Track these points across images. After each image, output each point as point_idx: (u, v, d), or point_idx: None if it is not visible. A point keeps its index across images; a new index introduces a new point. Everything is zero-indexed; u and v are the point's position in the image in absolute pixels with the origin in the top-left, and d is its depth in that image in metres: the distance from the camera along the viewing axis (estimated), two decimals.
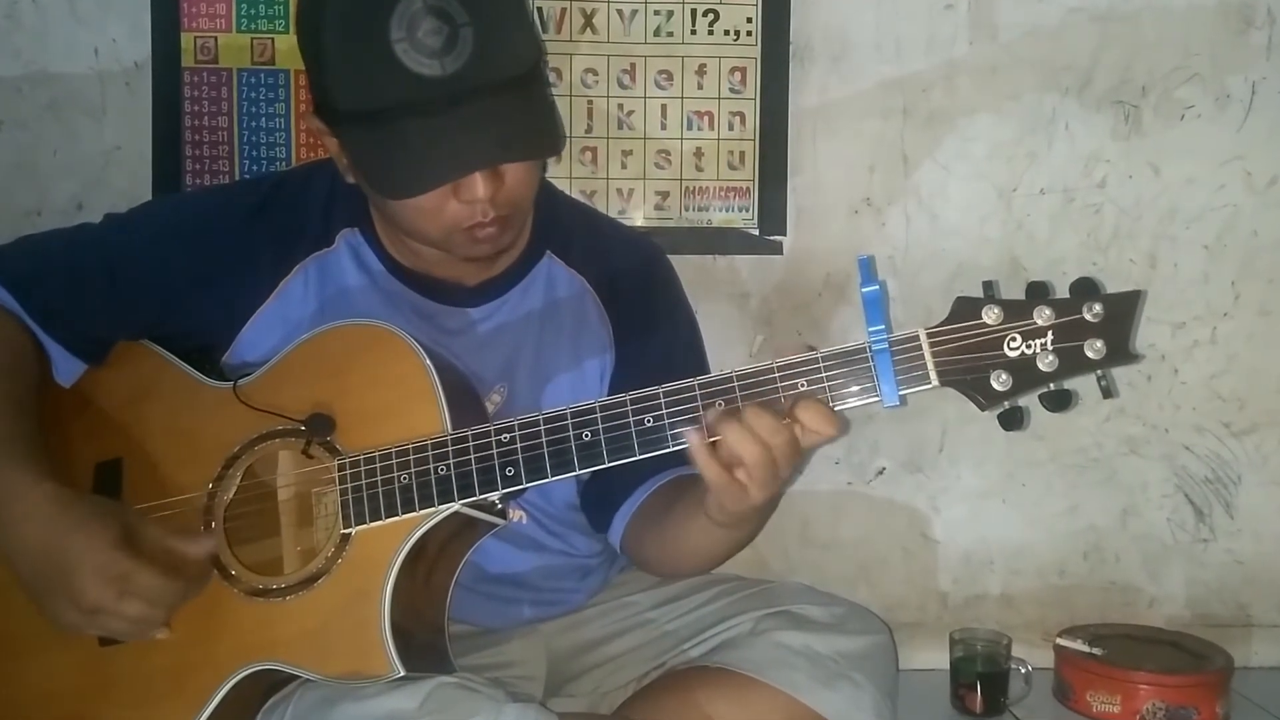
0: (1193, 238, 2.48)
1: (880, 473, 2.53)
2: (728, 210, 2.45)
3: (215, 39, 2.39)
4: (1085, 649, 2.29)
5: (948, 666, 2.34)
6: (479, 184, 1.63)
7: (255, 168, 2.39)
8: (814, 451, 1.57)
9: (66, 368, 1.83)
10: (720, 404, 1.53)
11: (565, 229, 1.96)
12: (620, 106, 2.43)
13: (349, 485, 1.63)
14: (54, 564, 1.59)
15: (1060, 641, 2.34)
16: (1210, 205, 2.47)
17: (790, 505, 2.49)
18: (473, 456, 1.59)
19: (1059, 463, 2.52)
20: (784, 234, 2.46)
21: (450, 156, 1.60)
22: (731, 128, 2.43)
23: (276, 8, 2.39)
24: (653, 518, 1.86)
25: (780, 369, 1.53)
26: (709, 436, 1.52)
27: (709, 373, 1.58)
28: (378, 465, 1.62)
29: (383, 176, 1.66)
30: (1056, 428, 2.48)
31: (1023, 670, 2.31)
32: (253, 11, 2.39)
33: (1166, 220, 2.47)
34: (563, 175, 2.41)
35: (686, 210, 2.45)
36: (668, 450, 1.56)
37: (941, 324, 1.51)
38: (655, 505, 1.86)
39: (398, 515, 1.61)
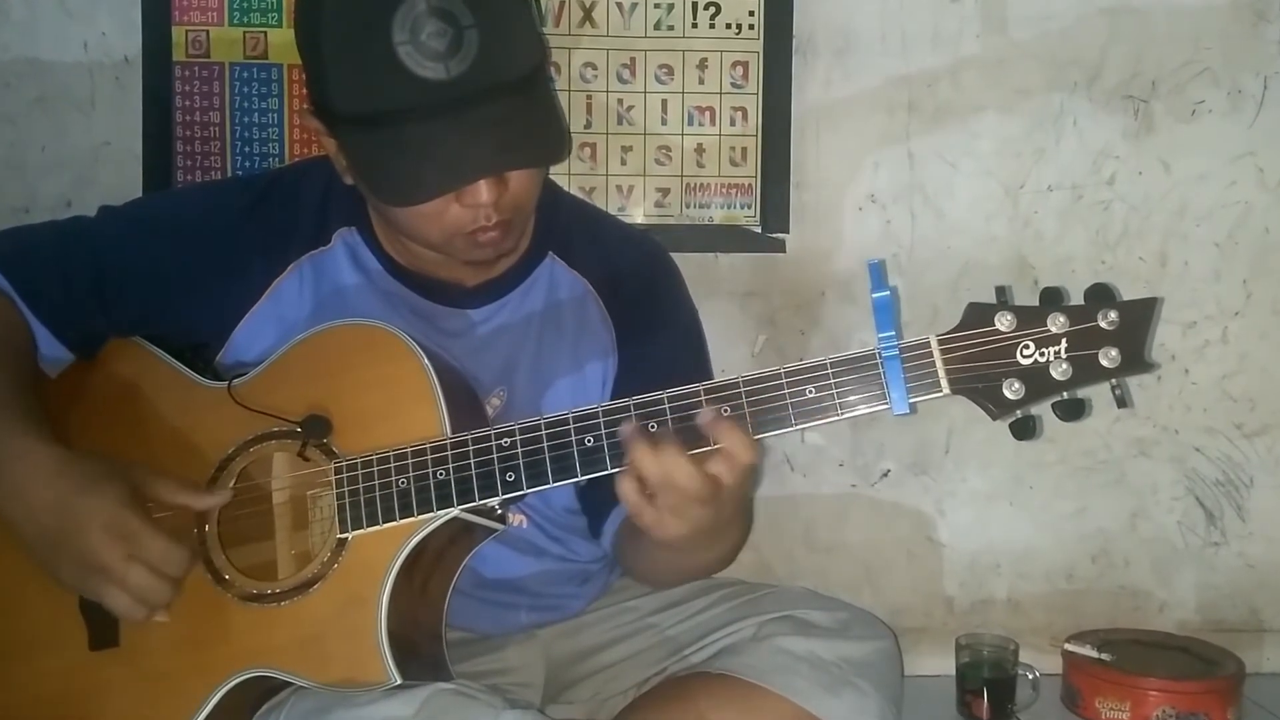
0: (1204, 235, 2.46)
1: (885, 475, 2.51)
2: (729, 207, 2.43)
3: (207, 32, 2.37)
4: (1094, 654, 2.28)
5: (954, 672, 2.32)
6: (483, 189, 1.61)
7: (247, 164, 2.38)
8: (748, 481, 1.53)
9: (52, 353, 1.81)
10: (654, 424, 1.52)
11: (567, 229, 1.95)
12: (620, 101, 2.41)
13: (346, 489, 1.61)
14: (61, 521, 1.58)
15: (1068, 647, 2.33)
16: (1221, 202, 2.45)
17: (794, 508, 2.48)
18: (472, 461, 1.58)
19: (1067, 465, 2.50)
20: (787, 231, 2.43)
21: (453, 163, 1.58)
22: (733, 123, 2.41)
23: (269, 0, 2.36)
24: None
25: (788, 375, 1.51)
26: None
27: (712, 376, 1.56)
28: (375, 469, 1.60)
29: (383, 182, 1.64)
30: (1065, 429, 2.45)
31: (1030, 676, 2.29)
32: (245, 5, 2.36)
33: (1177, 218, 2.45)
34: (561, 172, 2.38)
35: (687, 207, 2.42)
36: None
37: (953, 330, 1.49)
38: None
39: (395, 520, 1.59)
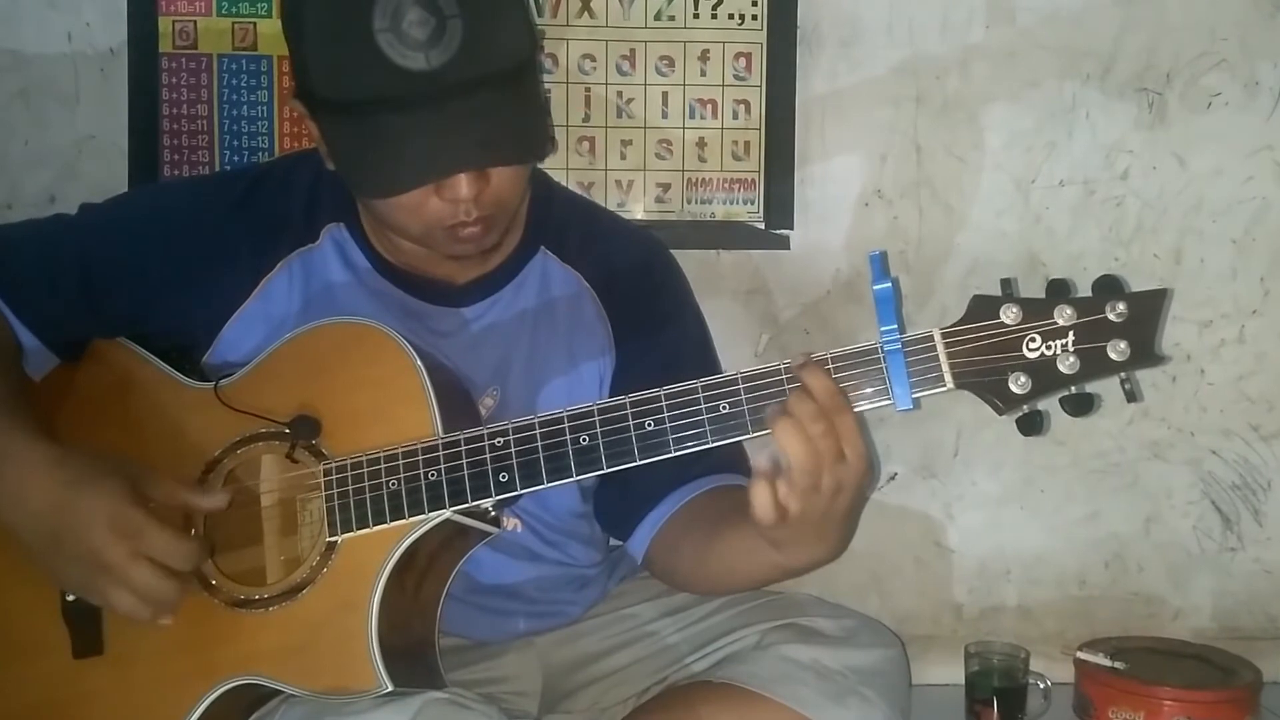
0: (1220, 231, 2.43)
1: (892, 478, 2.48)
2: (732, 203, 2.40)
3: (194, 23, 2.34)
4: (1107, 663, 2.25)
5: (963, 681, 2.29)
6: (463, 184, 1.59)
7: (236, 158, 2.35)
8: (871, 476, 1.52)
9: (36, 357, 1.79)
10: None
11: (561, 223, 1.92)
12: (619, 94, 2.38)
13: (335, 491, 1.60)
14: (61, 520, 1.55)
15: (1080, 655, 2.30)
16: (1238, 197, 2.42)
17: None
18: (465, 461, 1.57)
19: (1079, 468, 2.48)
20: (791, 228, 2.41)
21: (430, 156, 1.57)
22: (736, 116, 2.38)
23: None
24: (691, 531, 1.81)
25: (788, 370, 1.51)
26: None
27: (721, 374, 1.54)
28: (365, 470, 1.59)
29: (360, 173, 1.63)
30: (1077, 431, 2.44)
31: (1041, 685, 2.28)
32: None
33: (1192, 213, 2.43)
34: (559, 166, 2.36)
35: (689, 203, 2.40)
36: (669, 456, 1.54)
37: (957, 323, 1.50)
38: (694, 517, 1.81)
39: (386, 523, 1.58)
